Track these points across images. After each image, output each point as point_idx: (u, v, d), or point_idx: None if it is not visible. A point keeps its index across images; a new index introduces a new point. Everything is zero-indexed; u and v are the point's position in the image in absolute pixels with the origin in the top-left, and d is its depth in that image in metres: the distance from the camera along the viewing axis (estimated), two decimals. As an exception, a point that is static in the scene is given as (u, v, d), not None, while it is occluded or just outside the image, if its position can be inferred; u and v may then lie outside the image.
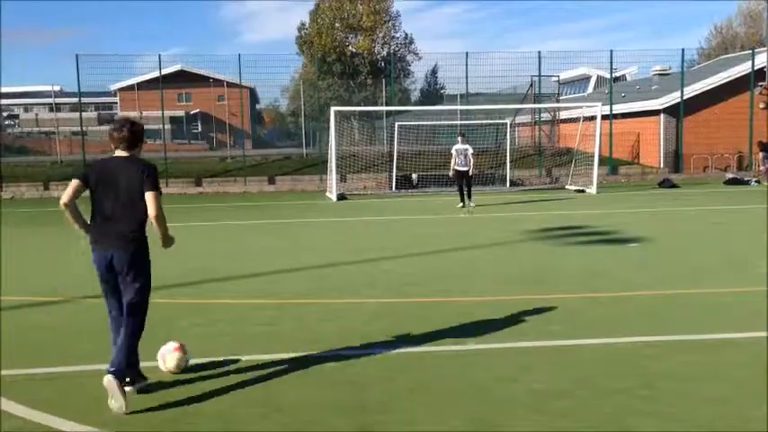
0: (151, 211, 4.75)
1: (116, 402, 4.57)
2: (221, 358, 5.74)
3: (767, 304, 7.10)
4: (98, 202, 4.85)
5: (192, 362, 5.46)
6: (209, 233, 14.17)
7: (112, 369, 4.63)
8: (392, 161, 24.64)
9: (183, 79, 47.52)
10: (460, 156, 17.14)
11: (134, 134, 4.88)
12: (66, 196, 4.79)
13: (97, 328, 6.84)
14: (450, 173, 17.63)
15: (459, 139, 17.51)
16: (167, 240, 4.96)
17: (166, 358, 5.31)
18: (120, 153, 4.89)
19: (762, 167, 24.54)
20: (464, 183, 17.32)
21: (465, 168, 17.11)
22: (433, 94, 46.46)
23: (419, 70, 74.43)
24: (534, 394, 4.85)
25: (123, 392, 4.58)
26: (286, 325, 6.81)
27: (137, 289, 4.85)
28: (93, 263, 4.87)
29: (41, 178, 25.87)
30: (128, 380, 4.86)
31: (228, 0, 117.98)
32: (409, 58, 52.91)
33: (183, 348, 5.35)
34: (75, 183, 4.84)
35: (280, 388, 5.06)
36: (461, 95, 29.82)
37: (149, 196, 4.75)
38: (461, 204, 17.29)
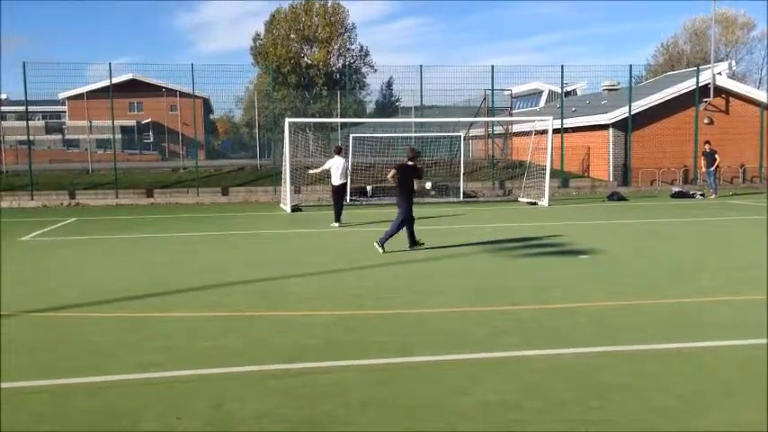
0: (416, 183, 12.09)
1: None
2: (170, 372, 5.62)
3: None
4: (401, 178, 12.07)
5: (141, 375, 5.31)
6: (161, 245, 13.91)
7: (381, 240, 11.90)
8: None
9: (134, 88, 46.83)
10: (340, 169, 16.51)
11: (416, 154, 12.57)
12: (390, 174, 12.41)
13: (37, 344, 6.64)
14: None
15: (340, 155, 16.83)
16: (419, 187, 12.37)
17: None
18: (408, 162, 12.25)
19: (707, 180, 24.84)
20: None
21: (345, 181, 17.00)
22: (388, 106, 46.63)
23: (374, 82, 74.97)
24: (486, 406, 4.85)
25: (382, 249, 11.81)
26: (237, 338, 6.71)
27: (401, 210, 12.06)
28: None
29: (-15, 189, 25.03)
30: (378, 246, 11.88)
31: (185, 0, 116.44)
32: (365, 70, 53.12)
33: None
34: (393, 171, 12.33)
35: (229, 402, 4.97)
36: (416, 108, 30.00)
37: (416, 180, 12.09)
38: (338, 223, 16.45)
